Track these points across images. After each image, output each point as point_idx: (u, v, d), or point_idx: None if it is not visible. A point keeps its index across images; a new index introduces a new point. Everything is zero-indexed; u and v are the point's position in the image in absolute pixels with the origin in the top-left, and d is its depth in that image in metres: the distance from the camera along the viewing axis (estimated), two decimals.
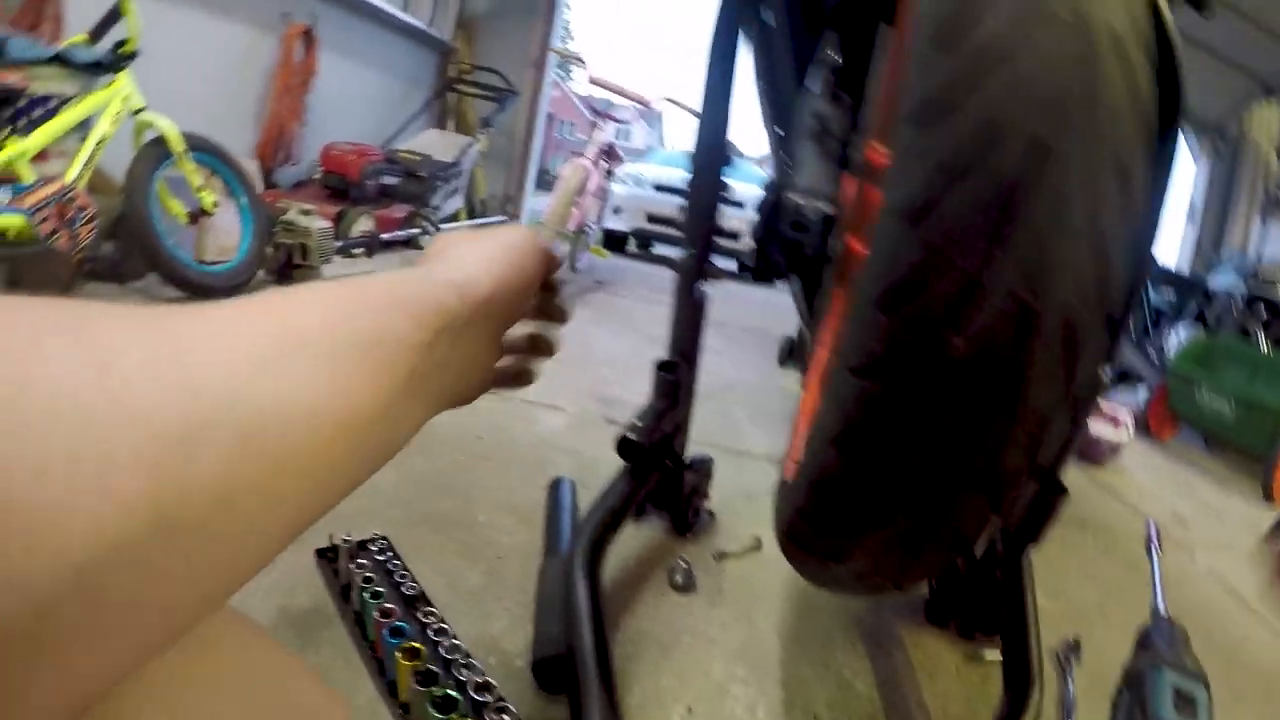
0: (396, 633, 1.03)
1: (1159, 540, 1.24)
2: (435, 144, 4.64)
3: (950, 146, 0.65)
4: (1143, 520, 2.50)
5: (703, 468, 1.56)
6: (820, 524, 0.83)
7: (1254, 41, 5.52)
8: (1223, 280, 4.48)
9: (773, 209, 1.18)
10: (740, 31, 1.39)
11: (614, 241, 7.32)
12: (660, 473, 1.38)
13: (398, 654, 0.98)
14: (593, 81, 4.46)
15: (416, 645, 1.00)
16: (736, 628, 1.32)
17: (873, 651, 1.34)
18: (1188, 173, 7.10)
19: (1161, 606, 0.99)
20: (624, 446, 1.24)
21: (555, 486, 1.55)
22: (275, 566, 1.12)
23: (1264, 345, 3.88)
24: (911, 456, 0.72)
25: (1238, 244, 6.75)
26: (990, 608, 1.39)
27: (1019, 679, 1.11)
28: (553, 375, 2.48)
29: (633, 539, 1.52)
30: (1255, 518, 2.94)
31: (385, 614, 1.06)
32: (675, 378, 1.35)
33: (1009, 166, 0.63)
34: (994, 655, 1.39)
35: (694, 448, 1.60)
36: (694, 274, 1.38)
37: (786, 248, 1.16)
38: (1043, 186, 0.63)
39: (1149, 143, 0.70)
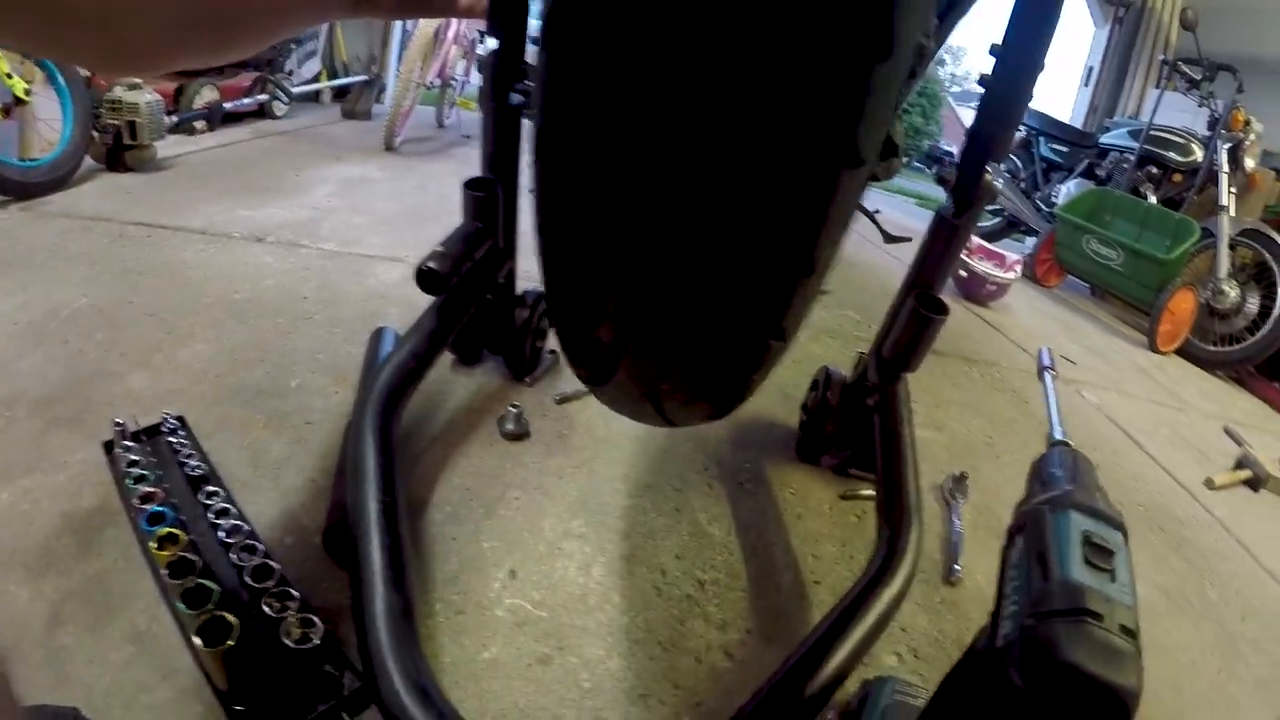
0: (155, 519, 0.86)
1: (1053, 364, 1.10)
2: None
3: None
4: (1031, 356, 2.46)
5: (536, 302, 1.35)
6: (568, 315, 0.62)
7: None
8: (1115, 139, 4.46)
9: None
10: None
11: None
12: (478, 308, 1.17)
13: (151, 544, 0.83)
14: None
15: (174, 531, 0.84)
16: (575, 477, 1.16)
17: (733, 494, 1.20)
18: (1086, 36, 7.03)
19: (1059, 433, 0.83)
20: (424, 277, 1.01)
21: (376, 336, 1.33)
22: (64, 469, 0.99)
23: (1154, 203, 3.87)
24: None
25: (1132, 110, 6.83)
26: (866, 440, 1.26)
27: (895, 515, 0.98)
28: (399, 227, 2.24)
29: (464, 387, 1.33)
30: (1141, 362, 2.96)
31: (145, 499, 0.90)
32: (488, 195, 1.12)
33: None
34: (871, 491, 1.26)
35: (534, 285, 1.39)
36: (503, 73, 1.12)
37: None
38: None
39: None
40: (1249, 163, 3.58)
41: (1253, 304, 3.24)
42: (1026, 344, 2.63)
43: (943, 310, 1.11)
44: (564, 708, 0.80)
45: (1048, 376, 1.04)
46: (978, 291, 3.00)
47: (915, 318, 1.10)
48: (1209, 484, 1.84)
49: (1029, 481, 0.70)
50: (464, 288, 1.08)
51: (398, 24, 5.66)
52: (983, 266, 2.97)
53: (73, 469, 0.99)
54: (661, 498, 1.15)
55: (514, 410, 1.20)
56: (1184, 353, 3.29)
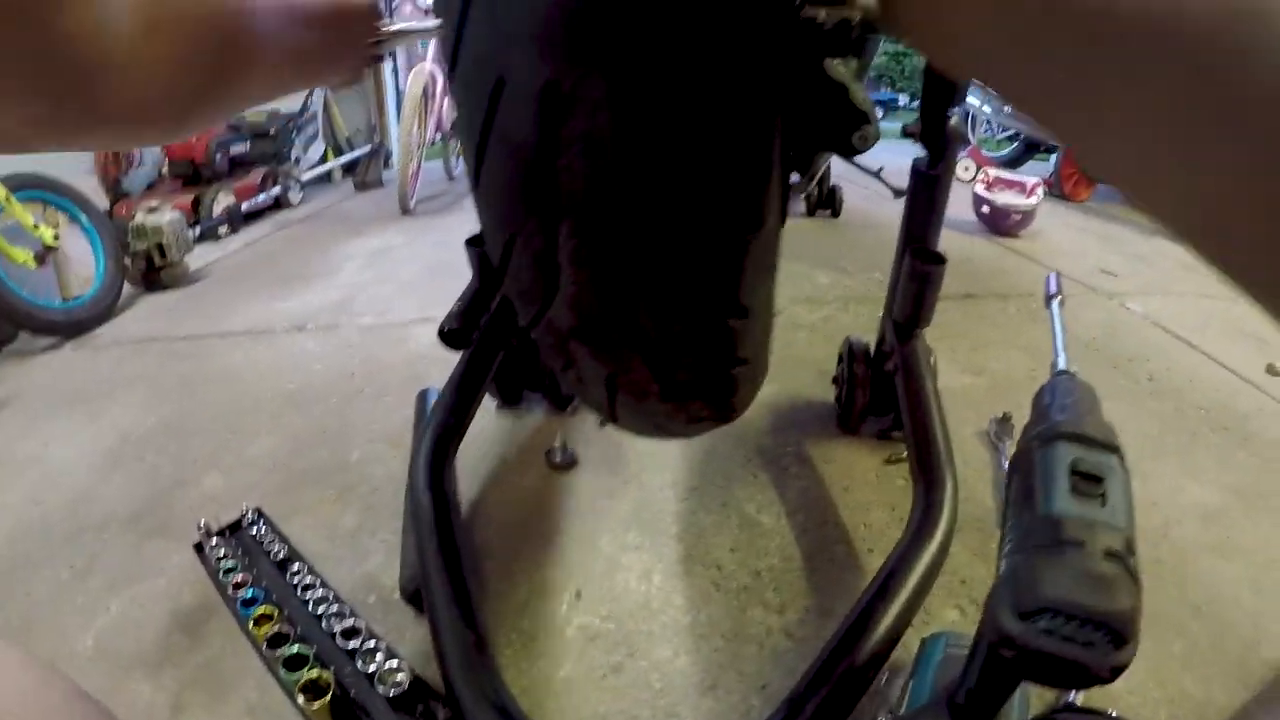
0: (249, 602, 0.97)
1: (1060, 290, 1.10)
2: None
3: None
4: (1069, 278, 2.42)
5: None
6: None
7: None
8: None
9: None
10: None
11: None
12: (507, 352, 1.23)
13: (250, 624, 0.92)
14: None
15: (268, 609, 0.94)
16: (625, 493, 1.21)
17: (778, 479, 1.24)
18: None
19: (1062, 362, 0.83)
20: (447, 338, 1.09)
21: (421, 398, 1.41)
22: (163, 574, 1.09)
23: None
24: None
25: None
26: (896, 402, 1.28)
27: (928, 473, 0.98)
28: (424, 289, 2.31)
29: (510, 427, 1.40)
30: (1186, 258, 2.87)
31: (238, 586, 1.00)
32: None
33: None
34: None
35: None
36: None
37: None
38: None
39: None
40: None
41: None
42: (1063, 266, 2.58)
43: (940, 260, 1.11)
44: (639, 709, 0.85)
45: (1054, 304, 1.04)
46: (1003, 224, 2.97)
47: (915, 274, 1.11)
48: (1271, 370, 1.80)
49: (1030, 417, 0.70)
50: (487, 338, 1.14)
51: (390, 86, 5.80)
52: (1003, 198, 2.94)
53: (170, 573, 1.08)
54: (709, 496, 1.20)
55: (559, 444, 1.27)
56: None
